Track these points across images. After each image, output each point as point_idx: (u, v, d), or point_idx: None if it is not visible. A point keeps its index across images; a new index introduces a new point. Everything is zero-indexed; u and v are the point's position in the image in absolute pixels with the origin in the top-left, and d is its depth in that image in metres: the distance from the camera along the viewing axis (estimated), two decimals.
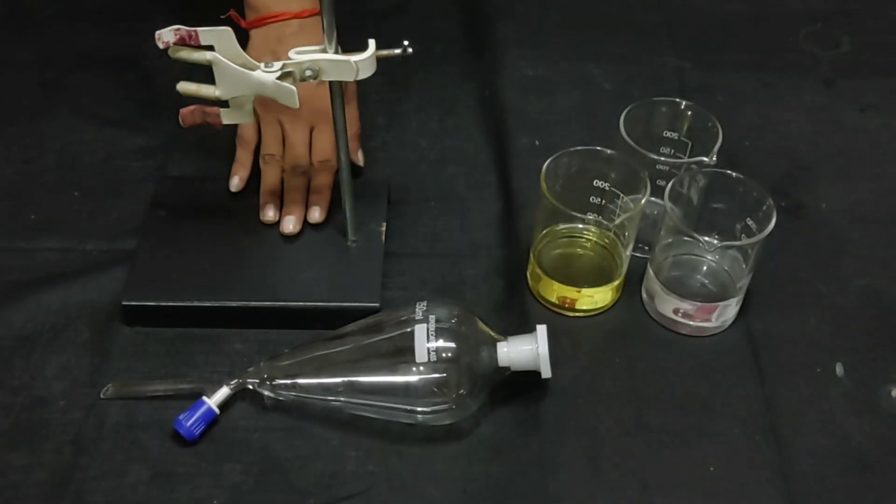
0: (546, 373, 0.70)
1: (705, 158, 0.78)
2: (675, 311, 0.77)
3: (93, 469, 0.69)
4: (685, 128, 0.82)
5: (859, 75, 1.01)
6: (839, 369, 0.76)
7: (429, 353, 0.69)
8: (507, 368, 0.71)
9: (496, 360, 0.70)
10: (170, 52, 0.67)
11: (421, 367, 0.68)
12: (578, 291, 0.78)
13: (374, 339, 0.71)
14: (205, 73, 0.68)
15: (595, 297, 0.79)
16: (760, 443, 0.72)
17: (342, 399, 0.71)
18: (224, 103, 0.70)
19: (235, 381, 0.72)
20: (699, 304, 0.76)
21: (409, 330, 0.70)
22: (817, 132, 0.95)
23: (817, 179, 0.90)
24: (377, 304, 0.76)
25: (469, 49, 1.02)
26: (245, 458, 0.70)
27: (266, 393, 0.72)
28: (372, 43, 0.69)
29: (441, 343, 0.69)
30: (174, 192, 0.84)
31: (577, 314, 0.79)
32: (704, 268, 0.81)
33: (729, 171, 0.77)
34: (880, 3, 1.09)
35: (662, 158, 0.79)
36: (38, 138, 0.91)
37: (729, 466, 0.70)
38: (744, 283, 0.77)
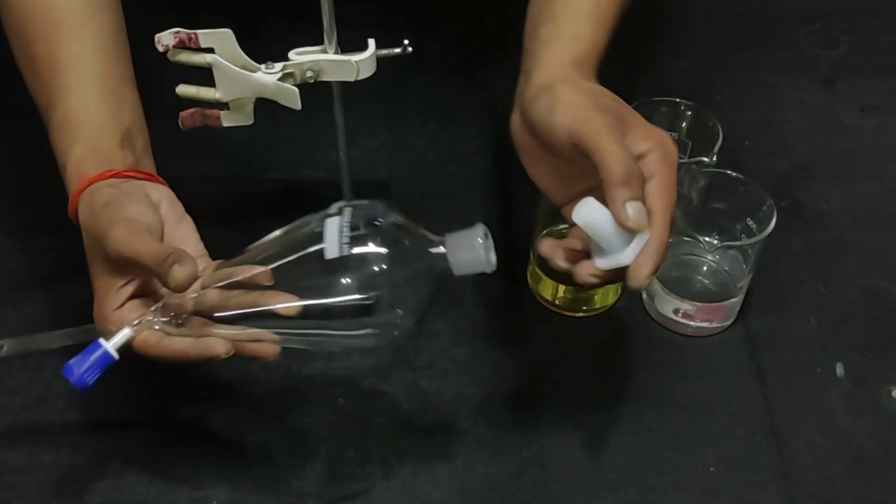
0: (492, 267, 0.59)
1: (705, 158, 0.78)
2: (676, 312, 0.77)
3: (92, 469, 0.69)
4: (685, 128, 0.82)
5: (859, 75, 1.01)
6: (839, 369, 0.76)
7: (341, 248, 0.57)
8: (447, 274, 0.59)
9: (434, 264, 0.59)
10: (169, 55, 0.67)
11: (340, 279, 0.57)
12: (578, 291, 0.78)
13: (280, 252, 0.60)
14: (204, 75, 0.68)
15: (595, 297, 0.79)
16: (760, 443, 0.72)
17: (259, 328, 0.61)
18: (224, 105, 0.70)
19: (138, 320, 0.61)
20: (699, 304, 0.76)
21: (317, 229, 0.58)
22: (817, 132, 0.95)
23: (817, 179, 0.90)
24: None
25: (468, 49, 1.02)
26: (245, 459, 0.70)
27: (173, 331, 0.61)
28: (372, 42, 0.69)
29: (362, 243, 0.57)
30: (174, 193, 0.84)
31: (578, 314, 0.79)
32: (705, 268, 0.81)
33: (729, 171, 0.77)
34: (880, 3, 1.09)
35: None
36: (38, 137, 0.91)
37: (729, 466, 0.70)
38: (744, 283, 0.77)
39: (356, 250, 0.57)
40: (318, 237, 0.57)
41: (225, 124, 0.71)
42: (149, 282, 0.63)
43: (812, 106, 0.98)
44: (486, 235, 0.59)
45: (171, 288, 0.58)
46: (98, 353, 0.60)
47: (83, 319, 0.77)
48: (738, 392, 0.75)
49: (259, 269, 0.60)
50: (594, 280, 0.60)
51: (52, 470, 0.69)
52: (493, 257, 0.59)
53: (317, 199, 0.85)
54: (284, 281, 0.59)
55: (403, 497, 0.69)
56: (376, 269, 0.57)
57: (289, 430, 0.72)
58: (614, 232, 0.58)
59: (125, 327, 0.61)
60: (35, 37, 0.69)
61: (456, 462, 0.70)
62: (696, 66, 1.00)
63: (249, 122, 0.71)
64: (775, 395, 0.74)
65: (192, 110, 0.71)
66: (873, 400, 0.74)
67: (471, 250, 0.58)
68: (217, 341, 0.60)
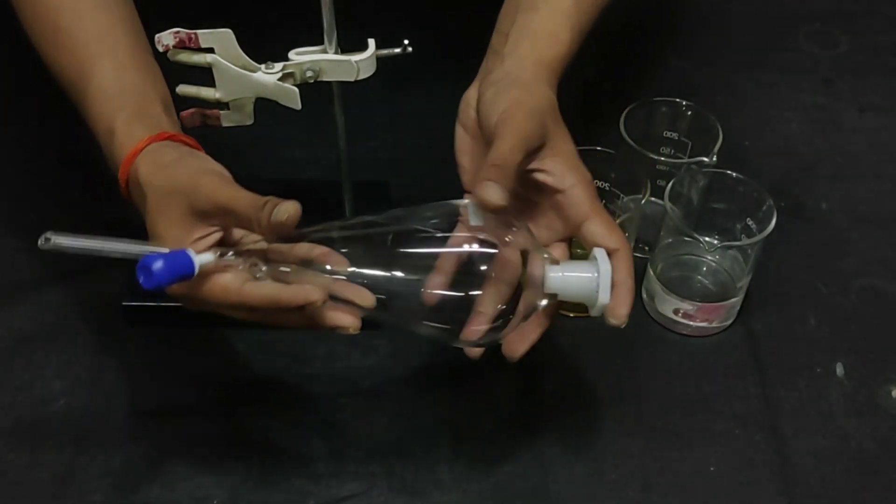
0: (604, 298, 0.60)
1: (705, 158, 0.78)
2: (676, 312, 0.77)
3: (93, 468, 0.69)
4: (685, 128, 0.82)
5: (859, 75, 1.01)
6: (839, 369, 0.76)
7: (482, 217, 0.59)
8: (552, 295, 0.61)
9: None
10: (169, 55, 0.67)
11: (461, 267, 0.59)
12: None
13: (409, 235, 0.61)
14: (204, 75, 0.68)
15: None
16: (760, 443, 0.72)
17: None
18: (224, 105, 0.70)
19: (232, 252, 0.59)
20: (699, 304, 0.76)
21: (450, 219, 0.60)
22: (817, 132, 0.95)
23: (817, 179, 0.90)
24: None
25: (468, 49, 1.02)
26: (245, 458, 0.70)
27: (261, 276, 0.60)
28: (372, 43, 0.69)
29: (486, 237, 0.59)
30: None
31: (578, 314, 0.79)
32: (704, 268, 0.81)
33: (729, 171, 0.77)
34: (879, 3, 1.09)
35: (662, 158, 0.79)
36: (38, 138, 0.91)
37: (729, 466, 0.71)
38: (744, 283, 0.77)
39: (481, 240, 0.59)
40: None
41: (225, 124, 0.71)
42: (227, 238, 0.62)
43: (812, 106, 0.98)
44: (600, 276, 0.60)
45: (280, 223, 0.56)
46: (182, 259, 0.57)
47: (84, 320, 0.77)
48: (739, 392, 0.75)
49: (333, 252, 0.60)
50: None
51: (54, 469, 0.69)
52: (606, 290, 0.60)
53: (317, 200, 0.85)
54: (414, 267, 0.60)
55: (404, 497, 0.69)
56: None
57: (289, 430, 0.72)
58: (575, 282, 0.60)
59: (208, 252, 0.58)
60: (57, 9, 0.69)
61: (456, 462, 0.70)
62: (696, 66, 1.00)
63: (249, 122, 0.71)
64: (775, 395, 0.74)
65: (192, 110, 0.71)
66: (873, 400, 0.74)
67: (584, 281, 0.60)
68: (311, 287, 0.58)
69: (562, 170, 0.63)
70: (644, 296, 0.80)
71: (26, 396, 0.73)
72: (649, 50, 1.02)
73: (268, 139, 0.90)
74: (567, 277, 0.60)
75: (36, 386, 0.74)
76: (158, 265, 0.56)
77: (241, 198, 0.59)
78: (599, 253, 0.60)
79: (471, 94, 0.69)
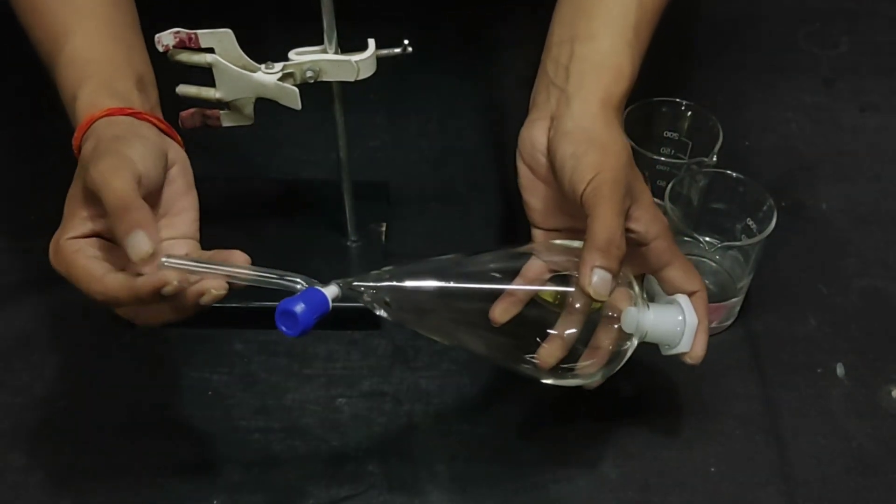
0: (685, 348, 0.63)
1: (705, 158, 0.78)
2: None
3: (93, 470, 0.69)
4: (685, 128, 0.82)
5: (859, 75, 1.01)
6: (840, 370, 0.76)
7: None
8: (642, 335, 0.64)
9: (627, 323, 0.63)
10: (169, 55, 0.67)
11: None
12: None
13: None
14: (204, 75, 0.68)
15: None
16: (761, 443, 0.72)
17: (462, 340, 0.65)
18: (224, 105, 0.70)
19: (354, 284, 0.59)
20: None
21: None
22: (817, 132, 0.95)
23: (817, 179, 0.90)
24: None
25: (468, 49, 1.02)
26: (245, 458, 0.70)
27: (382, 313, 0.61)
28: (372, 42, 0.69)
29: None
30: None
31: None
32: (705, 268, 0.81)
33: (729, 171, 0.77)
34: (880, 3, 1.09)
35: (662, 158, 0.79)
36: (38, 138, 0.91)
37: (729, 467, 0.70)
38: (744, 283, 0.77)
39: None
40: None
41: (225, 124, 0.71)
42: (105, 233, 0.60)
43: (812, 106, 0.98)
44: (686, 327, 0.63)
45: (129, 255, 0.55)
46: (316, 297, 0.56)
47: (84, 320, 0.77)
48: (739, 392, 0.75)
49: (237, 252, 0.60)
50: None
51: (54, 470, 0.69)
52: (685, 347, 0.63)
53: (317, 200, 0.85)
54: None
55: (403, 497, 0.69)
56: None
57: (289, 430, 0.72)
58: (664, 327, 0.63)
59: (332, 285, 0.57)
60: None
61: (456, 462, 0.70)
62: (696, 66, 1.00)
63: (249, 122, 0.71)
64: (775, 396, 0.74)
65: (192, 110, 0.71)
66: (873, 400, 0.74)
67: (669, 328, 0.64)
68: (167, 273, 0.56)
69: (647, 224, 0.64)
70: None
71: (26, 397, 0.73)
72: (650, 50, 1.02)
73: (268, 139, 0.90)
74: (657, 322, 0.63)
75: (36, 387, 0.74)
76: (295, 312, 0.54)
77: (112, 189, 0.56)
78: (685, 304, 0.64)
79: (537, 138, 0.68)
